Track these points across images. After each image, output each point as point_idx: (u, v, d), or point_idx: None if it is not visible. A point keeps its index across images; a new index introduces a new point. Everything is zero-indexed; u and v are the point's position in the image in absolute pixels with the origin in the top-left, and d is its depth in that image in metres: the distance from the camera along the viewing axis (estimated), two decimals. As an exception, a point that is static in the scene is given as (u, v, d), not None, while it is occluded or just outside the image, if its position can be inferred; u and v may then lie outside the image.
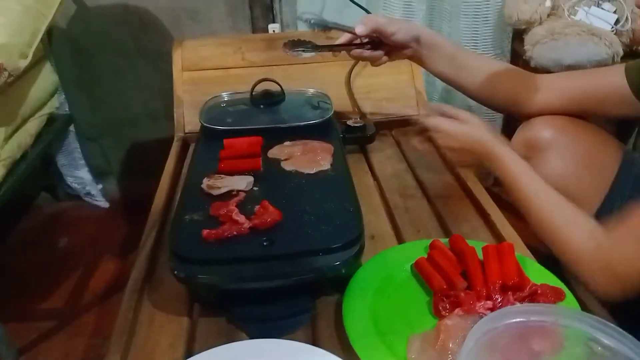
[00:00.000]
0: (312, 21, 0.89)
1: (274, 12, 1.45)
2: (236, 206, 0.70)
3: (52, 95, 1.45)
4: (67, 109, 1.55)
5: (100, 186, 1.75)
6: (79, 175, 1.67)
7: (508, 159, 0.75)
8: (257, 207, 0.69)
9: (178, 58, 1.17)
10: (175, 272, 0.61)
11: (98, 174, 1.75)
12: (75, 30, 1.53)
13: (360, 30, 0.85)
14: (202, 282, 0.63)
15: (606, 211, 0.78)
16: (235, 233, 0.65)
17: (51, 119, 1.45)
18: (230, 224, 0.66)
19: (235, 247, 0.63)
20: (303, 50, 0.87)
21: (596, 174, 0.80)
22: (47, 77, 1.43)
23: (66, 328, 1.28)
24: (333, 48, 0.90)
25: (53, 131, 1.44)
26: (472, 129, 0.79)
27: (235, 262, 0.62)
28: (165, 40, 1.52)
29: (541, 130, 0.82)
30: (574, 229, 0.67)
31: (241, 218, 0.67)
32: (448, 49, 0.88)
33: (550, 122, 0.82)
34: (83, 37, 1.54)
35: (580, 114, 0.83)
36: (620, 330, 0.39)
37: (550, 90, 0.82)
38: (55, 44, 1.47)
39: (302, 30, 1.48)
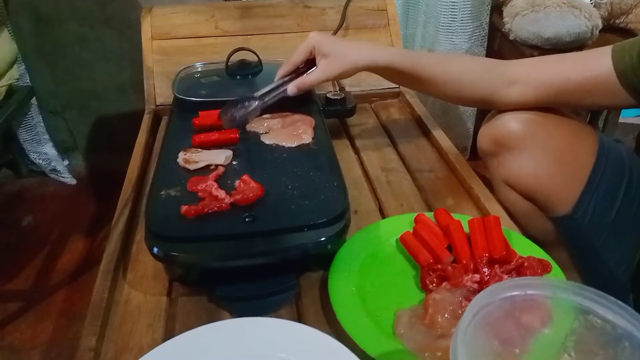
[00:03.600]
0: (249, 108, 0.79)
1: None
2: (215, 181, 0.67)
3: (10, 66, 1.37)
4: (27, 81, 1.47)
5: (66, 162, 1.68)
6: (43, 151, 1.60)
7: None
8: (237, 182, 0.66)
9: (147, 26, 1.11)
10: (154, 250, 0.58)
11: (63, 150, 1.68)
12: (35, -5, 1.44)
13: (291, 92, 0.80)
14: (182, 261, 0.60)
15: (584, 206, 0.75)
16: (215, 209, 0.62)
17: (11, 91, 1.37)
18: (210, 200, 0.63)
19: (216, 223, 0.60)
20: (249, 109, 0.79)
21: (571, 169, 0.76)
22: (5, 46, 1.34)
23: (34, 309, 1.24)
24: (274, 91, 0.81)
25: (13, 104, 1.36)
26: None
27: (217, 239, 0.59)
28: (133, 7, 1.44)
29: (510, 127, 0.76)
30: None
31: (221, 193, 0.64)
32: (404, 70, 0.79)
33: (521, 117, 0.76)
34: (44, 4, 1.45)
35: (561, 106, 0.78)
36: (621, 303, 0.38)
37: (527, 83, 0.74)
38: (13, 10, 1.38)
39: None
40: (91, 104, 1.63)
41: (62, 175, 1.66)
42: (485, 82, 0.77)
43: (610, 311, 0.39)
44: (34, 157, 1.60)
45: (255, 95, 0.80)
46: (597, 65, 0.71)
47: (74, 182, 1.68)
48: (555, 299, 0.44)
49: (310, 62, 0.80)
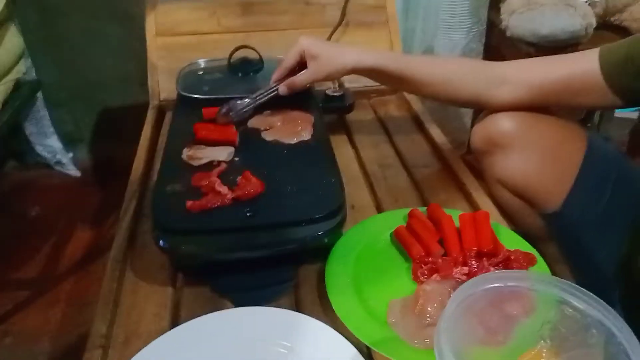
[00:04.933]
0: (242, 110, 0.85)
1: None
2: (218, 177, 0.70)
3: (18, 60, 1.40)
4: (34, 75, 1.50)
5: (71, 154, 1.71)
6: (48, 144, 1.63)
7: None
8: (239, 178, 0.70)
9: (152, 22, 1.14)
10: (160, 242, 0.62)
11: (68, 142, 1.71)
12: (41, -12, 1.46)
13: (282, 92, 0.84)
14: (186, 253, 0.63)
15: (572, 203, 0.77)
16: (218, 204, 0.65)
17: (18, 85, 1.39)
18: (213, 195, 0.66)
19: (219, 217, 0.64)
20: (243, 108, 0.85)
21: (560, 167, 0.78)
22: (12, 40, 1.37)
23: (42, 297, 1.27)
24: (269, 92, 0.86)
25: (20, 98, 1.39)
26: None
27: (220, 232, 0.63)
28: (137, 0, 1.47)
29: (503, 126, 0.77)
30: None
31: (224, 189, 0.67)
32: (391, 71, 0.81)
33: (512, 116, 0.78)
34: (50, -3, 1.47)
35: (550, 106, 0.80)
36: (592, 294, 0.42)
37: (517, 84, 0.76)
38: (19, 3, 1.41)
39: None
40: (96, 96, 1.66)
41: (66, 167, 1.69)
42: (475, 82, 0.79)
43: (582, 301, 0.42)
44: (40, 149, 1.63)
45: (251, 96, 0.85)
46: (584, 65, 0.73)
47: (78, 174, 1.71)
48: (536, 290, 0.47)
49: (304, 65, 0.84)
